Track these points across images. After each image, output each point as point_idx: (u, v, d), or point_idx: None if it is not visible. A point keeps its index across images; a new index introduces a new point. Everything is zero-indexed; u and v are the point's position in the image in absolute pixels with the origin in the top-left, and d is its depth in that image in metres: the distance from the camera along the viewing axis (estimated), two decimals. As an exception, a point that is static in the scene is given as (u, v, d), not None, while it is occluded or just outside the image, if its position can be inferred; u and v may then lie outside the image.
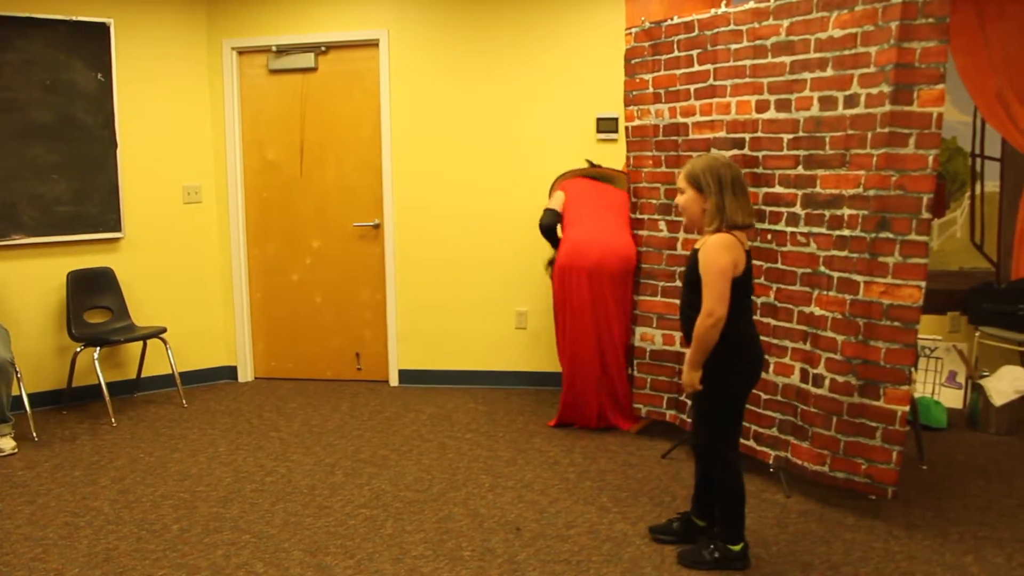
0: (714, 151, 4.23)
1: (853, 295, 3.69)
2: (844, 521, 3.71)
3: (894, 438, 3.62)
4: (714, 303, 3.04)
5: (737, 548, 3.28)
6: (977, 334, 5.38)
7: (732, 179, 3.10)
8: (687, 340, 3.29)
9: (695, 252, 3.18)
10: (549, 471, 4.36)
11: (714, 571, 3.28)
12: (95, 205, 5.60)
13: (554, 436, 4.91)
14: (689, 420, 4.51)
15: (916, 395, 4.66)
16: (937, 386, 5.25)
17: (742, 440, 4.21)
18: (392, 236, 5.99)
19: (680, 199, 3.23)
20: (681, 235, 4.59)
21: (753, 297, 3.98)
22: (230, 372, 6.30)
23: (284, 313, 6.29)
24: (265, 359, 6.36)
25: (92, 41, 5.50)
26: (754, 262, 3.98)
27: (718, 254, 3.05)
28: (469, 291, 5.96)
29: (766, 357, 4.06)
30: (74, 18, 5.41)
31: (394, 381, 6.16)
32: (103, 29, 5.52)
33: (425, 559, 3.41)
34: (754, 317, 3.97)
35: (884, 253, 3.60)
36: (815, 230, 3.88)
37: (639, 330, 4.79)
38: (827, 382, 3.80)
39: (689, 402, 4.52)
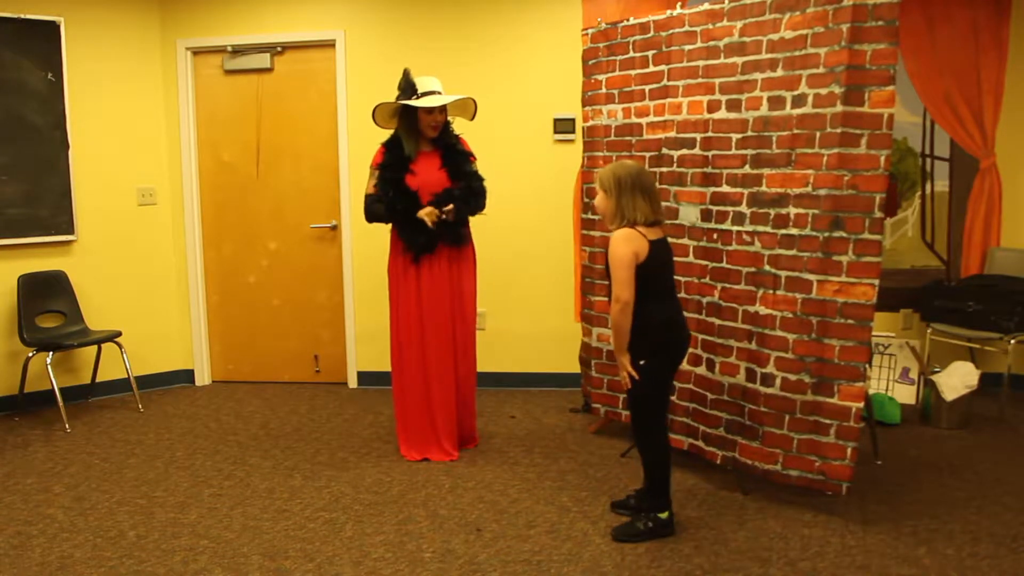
0: (616, 157, 4.39)
1: (805, 294, 3.73)
2: (801, 517, 3.76)
3: (848, 434, 3.67)
4: (619, 289, 3.36)
5: (664, 516, 3.55)
6: (929, 331, 5.49)
7: (632, 182, 3.39)
8: None
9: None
10: (509, 471, 4.37)
11: (648, 541, 3.51)
12: (46, 207, 5.49)
13: (513, 436, 4.92)
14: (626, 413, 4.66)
15: (871, 391, 4.73)
16: (891, 382, 5.34)
17: (690, 439, 4.31)
18: (350, 237, 5.96)
19: (595, 200, 3.54)
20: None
21: (698, 296, 4.18)
22: (187, 375, 6.22)
23: (241, 315, 6.22)
24: (222, 362, 6.29)
25: (41, 40, 5.39)
26: (700, 262, 4.17)
27: (617, 247, 3.36)
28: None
29: (711, 357, 4.14)
30: (22, 16, 5.29)
31: (353, 383, 6.13)
32: (53, 28, 5.41)
33: (385, 561, 3.40)
34: (699, 316, 4.17)
35: (838, 252, 3.64)
36: (760, 229, 3.92)
37: (595, 331, 4.81)
38: (778, 381, 3.84)
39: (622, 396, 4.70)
